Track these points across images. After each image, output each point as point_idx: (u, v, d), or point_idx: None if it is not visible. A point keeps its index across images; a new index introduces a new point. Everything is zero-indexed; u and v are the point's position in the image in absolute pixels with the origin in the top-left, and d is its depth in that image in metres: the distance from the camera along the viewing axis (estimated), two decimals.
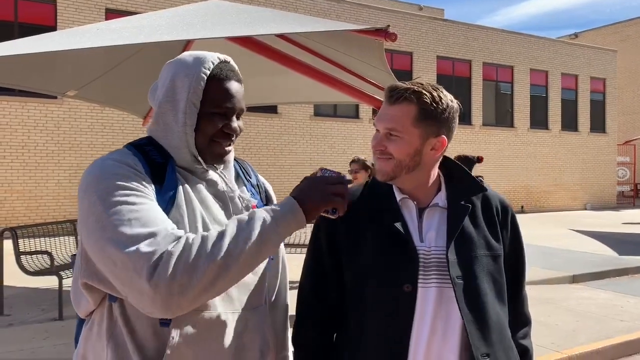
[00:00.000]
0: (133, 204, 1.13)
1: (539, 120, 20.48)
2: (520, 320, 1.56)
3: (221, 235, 1.13)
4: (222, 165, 1.40)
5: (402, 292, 1.35)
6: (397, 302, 1.35)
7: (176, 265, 1.07)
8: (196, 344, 1.23)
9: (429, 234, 1.41)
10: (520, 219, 16.28)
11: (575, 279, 7.72)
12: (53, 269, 5.63)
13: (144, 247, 1.07)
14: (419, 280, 1.36)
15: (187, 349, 1.22)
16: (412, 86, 1.38)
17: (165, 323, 1.20)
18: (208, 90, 1.29)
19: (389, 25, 3.15)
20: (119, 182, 1.15)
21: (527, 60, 20.09)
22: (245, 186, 1.48)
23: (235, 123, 1.34)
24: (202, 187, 1.32)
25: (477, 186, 1.50)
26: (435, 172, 1.47)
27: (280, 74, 5.32)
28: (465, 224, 1.42)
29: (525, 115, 20.08)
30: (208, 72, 1.30)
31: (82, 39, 3.76)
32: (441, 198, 1.46)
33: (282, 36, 4.65)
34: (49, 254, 5.65)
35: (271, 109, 14.76)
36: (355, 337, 1.40)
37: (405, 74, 16.40)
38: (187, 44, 5.58)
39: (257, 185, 1.54)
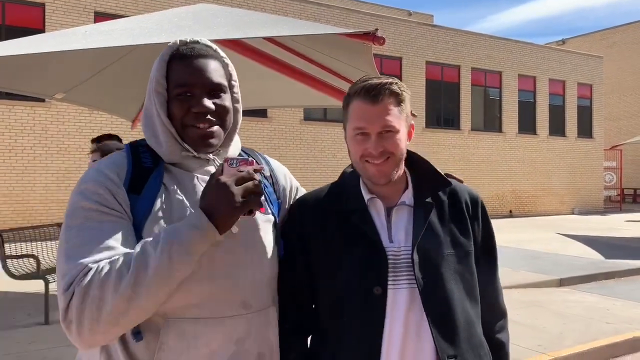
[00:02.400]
0: (82, 227, 1.16)
1: (527, 125, 20.65)
2: (495, 313, 1.53)
3: (128, 262, 1.10)
4: (214, 152, 1.34)
5: (372, 295, 1.32)
6: (368, 305, 1.32)
7: (84, 304, 1.08)
8: (182, 352, 1.20)
9: (398, 234, 1.38)
10: (509, 223, 16.41)
11: (562, 283, 7.77)
12: (40, 273, 5.58)
13: (64, 284, 1.11)
14: (389, 282, 1.33)
15: (173, 358, 1.19)
16: (380, 80, 1.36)
17: (139, 336, 1.18)
18: (170, 73, 1.28)
19: (377, 29, 3.17)
20: (84, 202, 1.19)
21: (516, 66, 20.26)
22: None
23: (208, 102, 1.26)
24: (198, 184, 1.28)
25: (442, 181, 1.46)
26: (403, 165, 1.43)
27: (269, 77, 5.32)
28: (432, 222, 1.39)
29: (513, 120, 20.24)
30: (167, 57, 1.29)
31: (70, 40, 3.74)
32: (408, 196, 1.42)
33: (271, 39, 4.66)
34: (36, 257, 5.60)
35: (261, 113, 14.76)
36: (330, 341, 1.38)
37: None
38: None
39: (272, 176, 1.49)
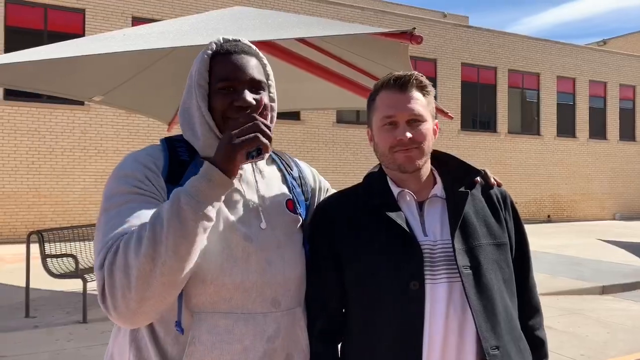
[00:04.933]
0: (119, 209, 1.17)
1: (566, 128, 20.14)
2: (532, 309, 1.49)
3: (145, 224, 1.10)
4: None
5: (409, 290, 1.28)
6: (405, 302, 1.28)
7: (113, 275, 1.08)
8: (216, 347, 1.19)
9: (433, 227, 1.35)
10: (547, 228, 16.03)
11: (604, 290, 7.51)
12: (78, 272, 5.69)
13: (98, 262, 1.11)
14: (426, 276, 1.29)
15: (205, 352, 1.18)
16: (406, 72, 1.38)
17: (181, 329, 1.17)
18: (213, 68, 1.31)
19: (414, 28, 3.11)
20: (122, 187, 1.20)
21: (554, 68, 19.79)
22: (287, 179, 1.45)
23: (249, 96, 1.28)
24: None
25: (473, 170, 1.45)
26: (428, 159, 1.43)
27: (302, 80, 5.30)
28: (467, 212, 1.37)
29: (552, 123, 19.76)
30: (210, 52, 1.32)
31: (109, 44, 3.80)
32: (439, 188, 1.41)
33: (304, 41, 4.64)
34: (74, 257, 5.72)
35: (293, 116, 14.81)
36: (363, 345, 1.33)
37: (429, 80, 16.26)
38: None
39: (300, 177, 1.51)
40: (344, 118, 15.95)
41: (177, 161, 1.28)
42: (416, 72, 1.39)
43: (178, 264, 1.08)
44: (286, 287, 1.30)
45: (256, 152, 1.14)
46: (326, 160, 15.27)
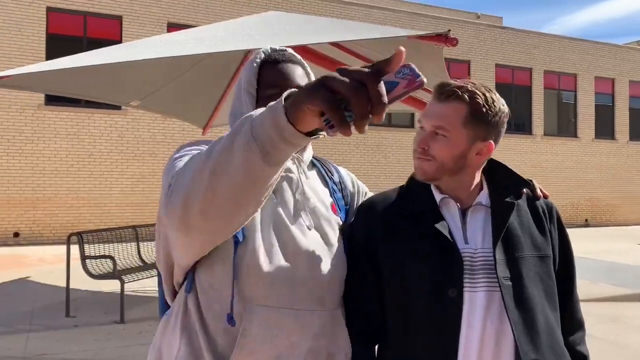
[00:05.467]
0: (193, 150, 1.22)
1: (604, 130, 19.60)
2: (574, 323, 1.46)
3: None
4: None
5: (447, 298, 1.27)
6: (442, 309, 1.27)
7: (174, 185, 1.08)
8: (266, 340, 1.21)
9: (475, 235, 1.33)
10: (584, 233, 15.61)
11: None
12: (116, 273, 5.82)
13: (165, 190, 1.11)
14: (465, 285, 1.28)
15: (256, 345, 1.20)
16: (465, 84, 1.32)
17: (232, 322, 1.19)
18: (261, 75, 1.37)
19: (449, 30, 3.08)
20: (191, 146, 1.27)
21: (592, 68, 19.30)
22: (328, 184, 1.48)
23: None
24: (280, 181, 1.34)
25: (522, 181, 1.43)
26: (479, 175, 1.41)
27: None
28: (511, 222, 1.34)
29: (589, 125, 19.27)
30: (259, 61, 1.38)
31: (146, 50, 3.89)
32: (484, 197, 1.38)
33: (337, 45, 4.65)
34: (112, 258, 5.85)
35: None
36: (399, 349, 1.33)
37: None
38: (246, 55, 5.69)
39: (340, 182, 1.53)
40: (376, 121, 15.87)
41: None
42: (471, 82, 1.33)
43: (224, 180, 0.97)
44: (331, 286, 1.32)
45: (328, 122, 0.84)
46: (357, 163, 15.23)
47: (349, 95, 0.78)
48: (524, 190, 1.44)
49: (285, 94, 0.91)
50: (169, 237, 1.18)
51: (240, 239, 1.22)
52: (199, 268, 1.24)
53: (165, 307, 1.42)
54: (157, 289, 1.52)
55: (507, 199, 1.38)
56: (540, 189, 1.49)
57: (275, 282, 1.23)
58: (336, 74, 0.81)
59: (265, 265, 1.22)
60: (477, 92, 1.32)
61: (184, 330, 1.24)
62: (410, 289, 1.32)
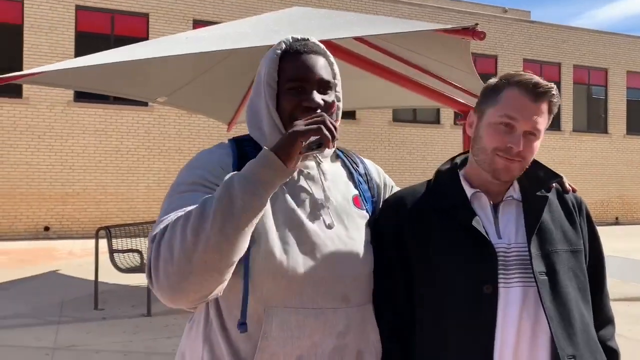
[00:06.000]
0: (183, 196, 1.21)
1: (636, 125, 19.11)
2: (603, 320, 1.43)
3: (193, 208, 1.11)
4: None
5: (482, 294, 1.24)
6: (477, 306, 1.24)
7: (159, 248, 1.11)
8: (287, 342, 1.19)
9: (508, 230, 1.31)
10: (615, 231, 15.27)
11: None
12: (143, 267, 5.90)
13: (150, 239, 1.15)
14: (500, 280, 1.25)
15: (277, 347, 1.19)
16: (546, 82, 1.31)
17: (243, 327, 1.18)
18: (282, 68, 1.31)
19: (477, 24, 3.03)
20: (191, 178, 1.25)
21: (623, 62, 18.83)
22: (353, 176, 1.45)
23: (318, 97, 1.28)
24: (297, 176, 1.32)
25: (552, 174, 1.40)
26: None
27: (359, 78, 5.29)
28: (544, 216, 1.32)
29: (620, 121, 18.81)
30: (279, 52, 1.32)
31: (173, 46, 3.93)
32: (515, 190, 1.36)
33: (361, 40, 4.62)
34: (140, 252, 5.94)
35: (349, 115, 14.79)
36: (433, 347, 1.31)
37: (489, 78, 15.87)
38: None
39: (366, 174, 1.50)
40: (401, 117, 15.78)
41: (245, 159, 1.28)
42: (554, 87, 1.33)
43: (222, 245, 1.06)
44: (356, 282, 1.29)
45: (316, 145, 1.11)
46: (382, 160, 15.16)
47: (324, 123, 1.12)
48: (554, 184, 1.41)
49: (263, 154, 1.11)
50: None
51: (253, 242, 1.20)
52: None
53: None
54: None
55: (539, 193, 1.35)
56: (569, 184, 1.46)
57: (293, 283, 1.21)
58: (300, 121, 1.14)
59: (281, 266, 1.20)
60: (554, 87, 1.32)
61: (206, 339, 1.24)
62: (444, 285, 1.30)
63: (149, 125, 12.92)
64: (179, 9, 13.25)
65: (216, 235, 1.05)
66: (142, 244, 6.76)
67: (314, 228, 1.27)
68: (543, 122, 1.31)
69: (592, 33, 18.60)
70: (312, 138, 1.11)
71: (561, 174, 1.44)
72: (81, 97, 12.28)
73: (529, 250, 1.27)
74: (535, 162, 1.41)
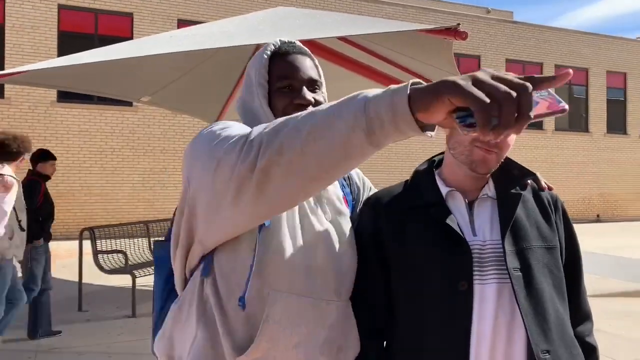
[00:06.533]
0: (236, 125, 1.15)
1: (616, 124, 19.41)
2: (581, 316, 1.46)
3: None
4: None
5: (457, 291, 1.27)
6: (453, 303, 1.27)
7: (260, 134, 1.01)
8: (287, 327, 1.20)
9: (482, 227, 1.33)
10: (596, 228, 15.48)
11: None
12: (127, 268, 5.88)
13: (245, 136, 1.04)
14: (475, 277, 1.28)
15: (278, 332, 1.19)
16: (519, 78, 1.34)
17: (243, 303, 1.17)
18: (272, 68, 1.34)
19: (459, 24, 3.07)
20: (223, 125, 1.18)
21: (604, 62, 19.11)
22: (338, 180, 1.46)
23: (309, 94, 1.32)
24: None
25: (526, 172, 1.42)
26: None
27: (343, 78, 5.31)
28: (518, 214, 1.35)
29: (601, 120, 19.09)
30: (269, 52, 1.35)
31: (156, 46, 3.91)
32: (490, 188, 1.39)
33: (346, 40, 4.65)
34: (124, 253, 5.91)
35: None
36: (410, 344, 1.33)
37: None
38: (255, 49, 5.70)
39: (348, 177, 1.53)
40: None
41: None
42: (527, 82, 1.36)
43: (319, 143, 0.92)
44: (345, 278, 1.32)
45: (470, 119, 0.79)
46: (368, 159, 15.17)
47: (501, 100, 0.76)
48: (529, 181, 1.44)
49: (412, 80, 0.86)
50: (206, 209, 1.13)
51: (267, 223, 1.20)
52: (221, 251, 1.21)
53: (162, 298, 1.41)
54: None
55: (513, 190, 1.38)
56: (545, 182, 1.49)
57: (295, 269, 1.22)
58: (486, 77, 0.79)
59: (288, 251, 1.22)
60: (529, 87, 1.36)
61: (201, 317, 1.21)
62: (420, 283, 1.32)
63: (133, 125, 12.83)
64: (163, 8, 13.17)
65: (312, 142, 0.92)
66: (127, 244, 6.73)
67: (316, 220, 1.30)
68: None
69: (573, 33, 18.86)
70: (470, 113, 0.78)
71: (535, 172, 1.47)
72: (64, 97, 12.16)
73: (503, 247, 1.29)
74: (509, 160, 1.44)
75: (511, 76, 0.79)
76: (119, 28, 12.81)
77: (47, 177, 5.18)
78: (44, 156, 5.19)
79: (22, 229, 4.16)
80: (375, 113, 0.86)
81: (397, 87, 0.86)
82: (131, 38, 12.54)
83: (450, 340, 1.26)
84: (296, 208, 1.26)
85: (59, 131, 12.24)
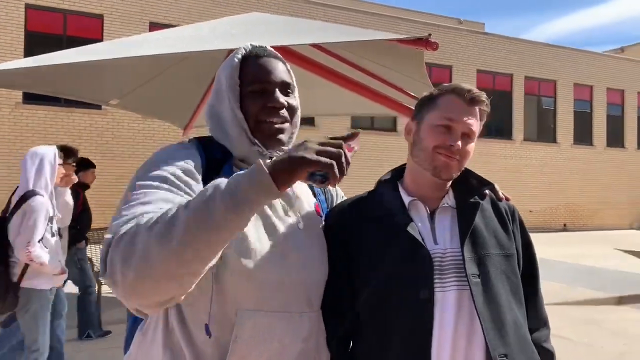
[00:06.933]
0: (149, 191, 1.11)
1: (583, 136, 19.92)
2: (539, 322, 1.51)
3: (162, 212, 1.02)
4: (280, 150, 1.32)
5: (419, 299, 1.30)
6: (415, 311, 1.30)
7: (119, 244, 1.00)
8: (258, 345, 1.18)
9: (443, 236, 1.38)
10: (562, 237, 15.80)
11: (621, 301, 7.40)
12: (93, 275, 5.73)
13: (110, 233, 1.04)
14: (436, 285, 1.31)
15: (248, 350, 1.17)
16: (479, 91, 1.42)
17: (209, 333, 1.15)
18: (243, 71, 1.32)
19: (430, 34, 3.10)
20: (160, 172, 1.15)
21: (571, 75, 19.61)
22: (312, 186, 1.47)
23: (282, 98, 1.31)
24: None
25: (484, 182, 1.48)
26: None
27: (318, 85, 5.31)
28: (477, 222, 1.40)
29: (568, 131, 19.57)
30: (240, 57, 1.33)
31: (127, 48, 3.85)
32: (450, 198, 1.44)
33: (319, 47, 4.65)
34: (90, 260, 5.77)
35: (309, 121, 14.82)
36: (374, 350, 1.35)
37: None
38: (227, 54, 5.66)
39: None
40: (359, 124, 15.93)
41: (212, 159, 1.28)
42: (485, 95, 1.44)
43: (188, 255, 0.97)
44: (318, 287, 1.32)
45: (320, 177, 1.03)
46: None
47: (337, 159, 1.03)
48: (487, 192, 1.49)
49: (258, 168, 1.01)
50: None
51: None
52: None
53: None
54: None
55: (472, 200, 1.43)
56: (502, 193, 1.54)
57: (266, 286, 1.20)
58: (317, 146, 1.03)
59: (254, 268, 1.18)
60: (487, 98, 1.43)
61: (167, 346, 1.18)
62: (384, 291, 1.34)
63: (102, 129, 12.59)
64: (135, 11, 13.00)
65: (184, 245, 0.96)
66: (93, 250, 6.57)
67: (286, 232, 1.28)
68: (476, 125, 1.40)
69: (541, 46, 19.30)
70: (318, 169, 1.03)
71: (493, 182, 1.52)
72: (30, 98, 11.86)
73: (462, 254, 1.33)
74: (468, 171, 1.49)
75: (329, 140, 1.07)
76: (89, 29, 12.58)
77: (87, 186, 5.28)
78: (85, 164, 5.17)
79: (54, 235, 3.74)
80: (243, 198, 0.99)
81: (255, 170, 1.00)
82: (101, 40, 12.33)
83: (412, 347, 1.29)
84: (260, 222, 1.23)
85: (24, 133, 11.93)
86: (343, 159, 1.03)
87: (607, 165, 20.25)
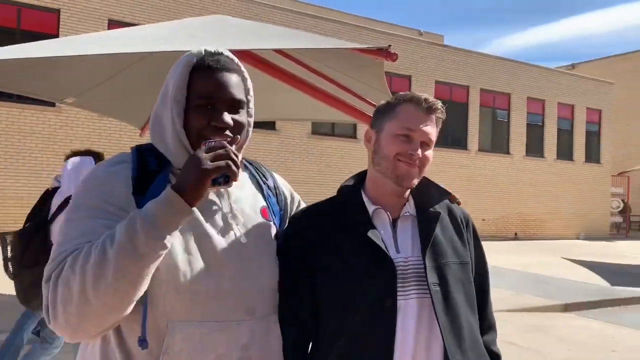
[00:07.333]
0: (79, 223, 1.16)
1: (535, 148, 20.60)
2: (488, 327, 1.56)
3: (98, 242, 1.09)
4: None
5: (383, 307, 1.31)
6: (378, 319, 1.31)
7: (57, 286, 1.08)
8: (190, 355, 1.17)
9: (405, 244, 1.39)
10: (513, 246, 16.25)
11: (567, 308, 7.68)
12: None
13: (46, 274, 1.11)
14: (399, 293, 1.33)
15: None
16: (436, 100, 1.45)
17: (144, 343, 1.15)
18: (192, 83, 1.26)
19: (390, 45, 3.17)
20: (88, 199, 1.20)
21: (525, 89, 20.27)
22: (262, 188, 1.44)
23: (228, 117, 1.25)
24: None
25: (443, 191, 1.51)
26: None
27: (279, 90, 5.32)
28: (436, 231, 1.42)
29: (521, 143, 20.20)
30: (191, 66, 1.27)
31: (85, 46, 3.77)
32: (411, 206, 1.46)
33: (281, 52, 4.67)
34: None
35: (269, 125, 14.79)
36: (335, 356, 1.35)
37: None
38: None
39: (275, 187, 1.50)
40: (320, 130, 16.00)
41: (145, 172, 1.26)
42: (441, 103, 1.46)
43: (123, 288, 1.06)
44: (262, 294, 1.29)
45: (224, 179, 1.11)
46: (300, 171, 15.27)
47: (230, 158, 1.11)
48: (445, 200, 1.52)
49: (170, 194, 1.09)
50: None
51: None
52: None
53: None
54: None
55: (431, 209, 1.46)
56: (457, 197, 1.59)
57: (197, 296, 1.19)
58: (207, 154, 1.10)
59: (185, 279, 1.18)
60: (443, 106, 1.46)
61: (103, 357, 1.20)
62: (346, 299, 1.34)
63: (55, 127, 12.20)
64: (93, 7, 12.68)
65: (118, 281, 1.05)
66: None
67: (221, 241, 1.25)
68: (434, 133, 1.44)
69: (497, 60, 19.89)
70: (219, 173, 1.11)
71: (450, 191, 1.55)
72: None
73: (424, 263, 1.35)
74: (427, 180, 1.51)
75: (212, 145, 1.14)
76: (45, 24, 12.19)
77: None
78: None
79: None
80: (162, 223, 1.08)
81: (162, 200, 1.09)
82: (57, 36, 11.98)
83: (374, 354, 1.30)
84: (192, 233, 1.22)
85: None
86: (232, 155, 1.11)
87: (556, 177, 21.00)
